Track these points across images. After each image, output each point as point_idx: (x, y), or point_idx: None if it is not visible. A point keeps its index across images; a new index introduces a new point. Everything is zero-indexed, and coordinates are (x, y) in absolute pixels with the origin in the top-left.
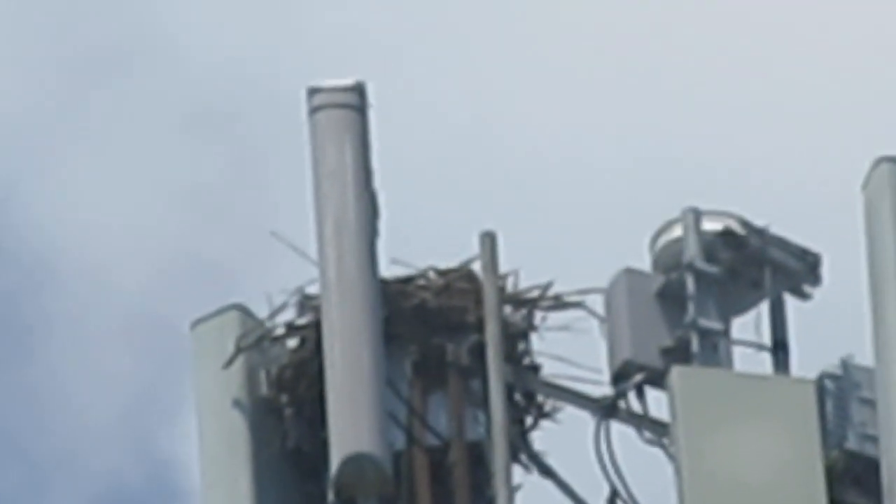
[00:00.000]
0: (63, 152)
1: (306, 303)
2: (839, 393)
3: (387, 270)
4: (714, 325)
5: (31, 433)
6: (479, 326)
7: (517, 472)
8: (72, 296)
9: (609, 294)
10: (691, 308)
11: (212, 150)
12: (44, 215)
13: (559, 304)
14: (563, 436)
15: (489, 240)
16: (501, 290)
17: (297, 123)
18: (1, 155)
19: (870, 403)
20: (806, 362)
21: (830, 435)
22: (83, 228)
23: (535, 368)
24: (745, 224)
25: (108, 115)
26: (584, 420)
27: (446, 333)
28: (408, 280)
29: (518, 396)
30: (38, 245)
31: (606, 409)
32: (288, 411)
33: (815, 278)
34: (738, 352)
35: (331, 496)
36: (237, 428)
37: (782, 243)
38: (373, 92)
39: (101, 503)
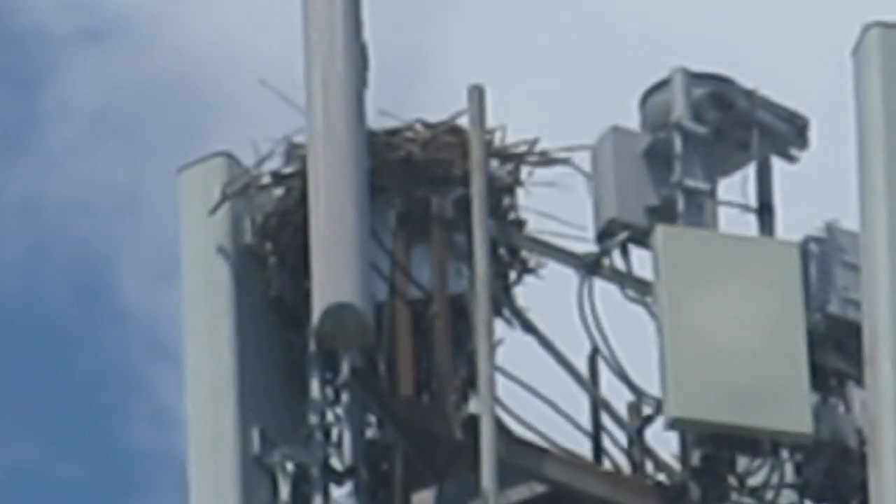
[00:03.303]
0: None
1: (293, 152)
2: (823, 256)
3: (374, 122)
4: (700, 185)
5: None
6: (465, 180)
7: (499, 327)
8: None
9: (596, 152)
10: (678, 168)
11: None
12: None
13: (546, 160)
14: (546, 291)
15: (477, 93)
16: (488, 144)
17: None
18: None
19: (853, 268)
20: (791, 225)
21: (813, 298)
22: None
23: (519, 223)
24: (734, 85)
25: None
26: (567, 276)
27: (432, 186)
28: (395, 132)
29: (502, 251)
30: None
31: (590, 266)
32: (271, 260)
33: (802, 141)
34: (723, 212)
35: (312, 346)
36: (220, 275)
37: (770, 105)
38: None
39: None
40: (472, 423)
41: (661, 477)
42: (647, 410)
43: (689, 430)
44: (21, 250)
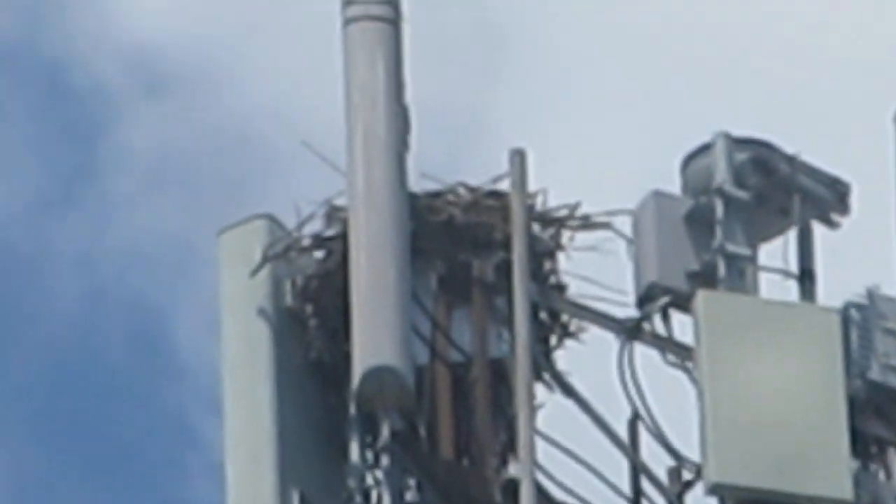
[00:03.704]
0: None
1: (334, 214)
2: (864, 322)
3: (416, 185)
4: (741, 250)
5: None
6: (506, 244)
7: (539, 391)
8: None
9: (637, 216)
10: (719, 232)
11: None
12: None
13: (587, 224)
14: (586, 356)
15: (519, 157)
16: (530, 208)
17: (330, 35)
18: None
19: (894, 334)
20: (832, 291)
21: (854, 364)
22: None
23: (560, 287)
24: (776, 150)
25: None
26: (608, 341)
27: (473, 249)
28: (436, 195)
29: (543, 315)
30: None
31: (631, 331)
32: (312, 322)
33: (843, 207)
34: (764, 278)
35: (352, 408)
36: (261, 337)
37: (812, 171)
38: (407, 5)
39: None
40: (512, 487)
41: None
42: (687, 475)
43: (730, 496)
44: (77, 301)
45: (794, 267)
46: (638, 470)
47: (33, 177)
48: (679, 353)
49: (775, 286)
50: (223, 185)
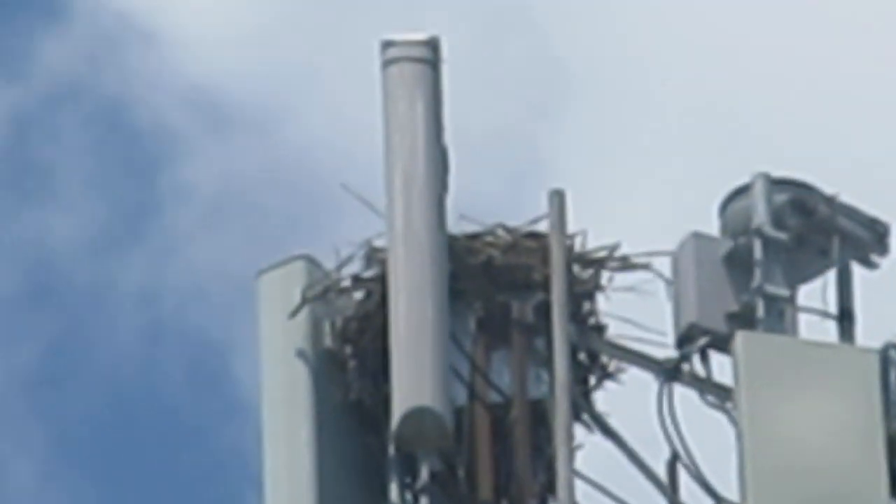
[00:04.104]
0: None
1: (373, 255)
2: None
3: (455, 226)
4: (780, 291)
5: None
6: (545, 285)
7: (579, 432)
8: None
9: (676, 257)
10: (758, 274)
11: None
12: None
13: (626, 265)
14: (625, 397)
15: (558, 198)
16: (569, 249)
17: (370, 76)
18: None
19: None
20: (871, 332)
21: (893, 405)
22: None
23: (599, 328)
24: (815, 191)
25: None
26: (647, 382)
27: (512, 291)
28: (475, 236)
29: (582, 356)
30: None
31: (670, 372)
32: (351, 363)
33: (883, 248)
34: (803, 319)
35: (391, 450)
36: (300, 378)
37: (851, 212)
38: (446, 47)
39: None
40: None
41: None
42: None
43: None
44: (137, 337)
45: (833, 308)
46: None
47: (96, 212)
48: (718, 394)
49: (814, 327)
50: (280, 223)
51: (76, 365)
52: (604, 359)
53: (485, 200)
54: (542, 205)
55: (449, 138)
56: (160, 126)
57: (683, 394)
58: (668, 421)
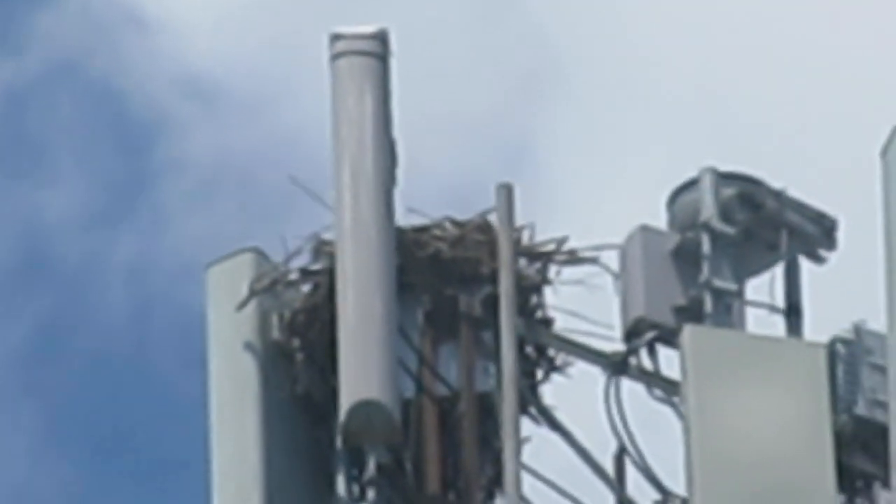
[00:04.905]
0: None
1: (321, 248)
2: (850, 358)
3: (403, 219)
4: (728, 285)
5: None
6: (493, 278)
7: (526, 425)
8: None
9: (624, 251)
10: (706, 268)
11: None
12: None
13: (574, 258)
14: (573, 390)
15: (506, 192)
16: (517, 242)
17: (318, 70)
18: None
19: (881, 369)
20: (818, 326)
21: (840, 400)
22: None
23: (547, 322)
24: (763, 186)
25: None
26: (594, 375)
27: (460, 284)
28: (423, 229)
29: (529, 349)
30: None
31: (617, 366)
32: (299, 356)
33: (830, 242)
34: (751, 313)
35: (338, 442)
36: (248, 371)
37: (799, 206)
38: (395, 40)
39: None
40: None
41: None
42: None
43: None
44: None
45: (780, 302)
46: None
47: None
48: (665, 388)
49: (762, 321)
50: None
51: (67, 341)
52: (551, 352)
53: (432, 193)
54: (490, 198)
55: (397, 130)
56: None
57: (631, 387)
58: (615, 414)
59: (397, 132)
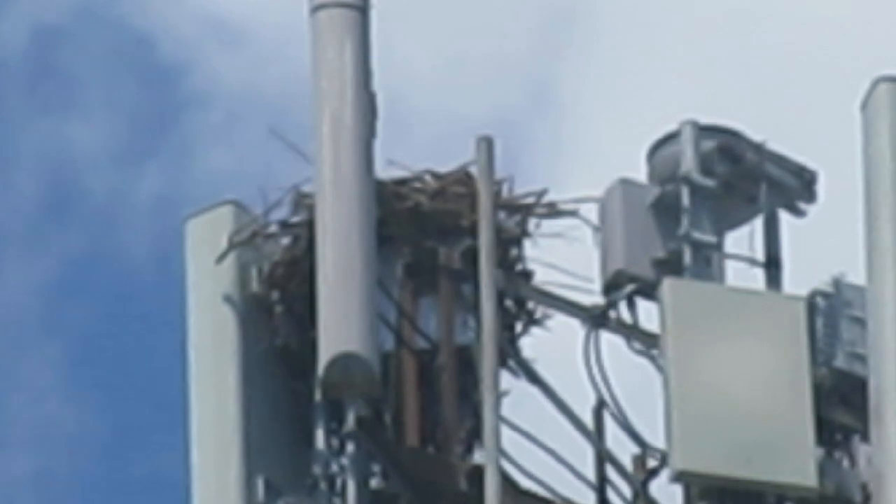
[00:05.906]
0: None
1: (301, 201)
2: (830, 311)
3: (383, 172)
4: (707, 238)
5: None
6: (473, 231)
7: (505, 378)
8: None
9: (604, 203)
10: (685, 220)
11: None
12: None
13: (553, 211)
14: (552, 343)
15: (486, 145)
16: (496, 195)
17: (298, 21)
18: None
19: (860, 322)
20: (798, 279)
21: (819, 353)
22: None
23: (526, 275)
24: (743, 138)
25: None
26: (573, 328)
27: (439, 237)
28: (403, 182)
29: (509, 302)
30: None
31: (597, 318)
32: (278, 308)
33: (810, 195)
34: (730, 266)
35: (318, 395)
36: (227, 323)
37: (779, 159)
38: None
39: None
40: (477, 474)
41: None
42: (652, 463)
43: (695, 484)
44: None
45: (760, 255)
46: (603, 457)
47: (115, 122)
48: (645, 341)
49: (741, 274)
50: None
51: (94, 277)
52: (531, 305)
53: (412, 145)
54: (471, 150)
55: (377, 83)
56: (177, 37)
57: (610, 340)
58: (594, 367)
59: (376, 85)
